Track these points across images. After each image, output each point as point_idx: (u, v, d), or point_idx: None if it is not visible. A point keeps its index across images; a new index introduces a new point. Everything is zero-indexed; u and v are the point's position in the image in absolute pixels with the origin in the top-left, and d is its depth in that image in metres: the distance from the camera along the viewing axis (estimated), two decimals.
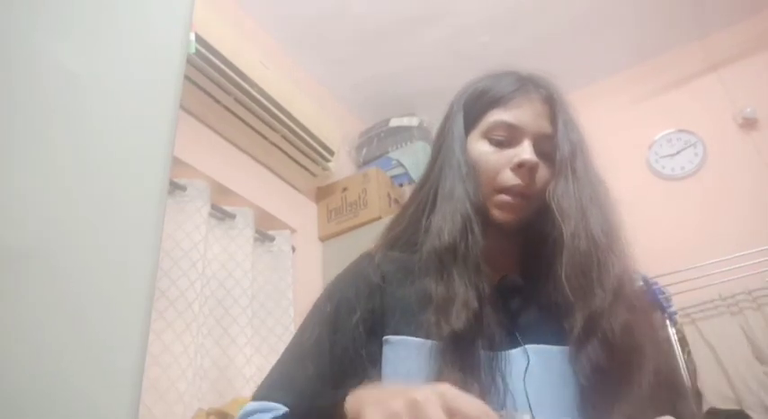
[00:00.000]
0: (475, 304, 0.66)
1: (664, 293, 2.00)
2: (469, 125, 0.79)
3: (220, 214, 1.85)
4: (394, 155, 2.52)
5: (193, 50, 1.65)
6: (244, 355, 1.68)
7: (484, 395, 0.60)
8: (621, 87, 2.66)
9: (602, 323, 0.65)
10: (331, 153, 2.23)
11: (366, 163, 2.59)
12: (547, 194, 0.73)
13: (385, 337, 0.70)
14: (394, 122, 2.61)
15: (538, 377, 0.65)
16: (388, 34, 2.41)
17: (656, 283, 1.95)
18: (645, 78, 2.62)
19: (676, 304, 2.05)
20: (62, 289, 0.43)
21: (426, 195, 0.80)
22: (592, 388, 0.64)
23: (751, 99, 2.33)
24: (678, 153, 2.45)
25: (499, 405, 0.61)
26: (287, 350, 0.75)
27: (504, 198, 0.73)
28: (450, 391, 0.45)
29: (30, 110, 0.45)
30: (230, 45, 1.80)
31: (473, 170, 0.76)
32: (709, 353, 1.95)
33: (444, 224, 0.73)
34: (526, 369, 0.65)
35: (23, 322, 0.40)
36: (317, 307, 0.76)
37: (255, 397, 0.70)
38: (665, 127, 2.51)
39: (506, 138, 0.76)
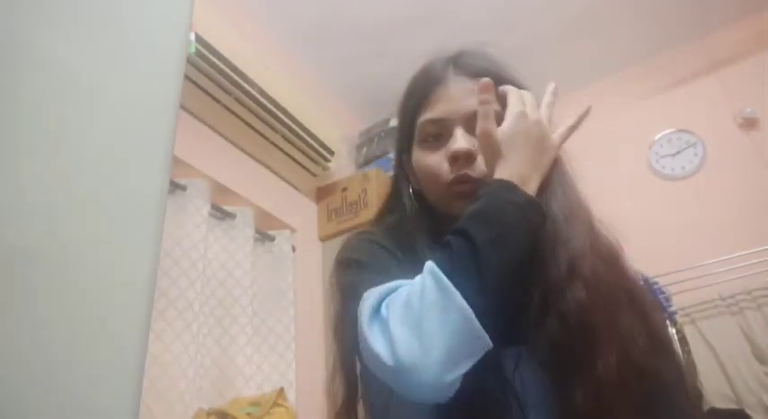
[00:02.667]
0: None
1: (664, 293, 2.00)
2: (409, 136, 0.79)
3: (220, 214, 1.85)
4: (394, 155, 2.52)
5: (193, 50, 1.65)
6: (244, 355, 1.68)
7: (478, 392, 0.60)
8: (621, 87, 2.66)
9: (556, 298, 0.62)
10: (331, 153, 2.23)
11: (366, 163, 2.59)
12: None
13: None
14: (394, 122, 2.60)
15: (527, 375, 0.64)
16: (388, 34, 2.41)
17: (656, 283, 1.95)
18: (645, 78, 2.62)
19: (676, 304, 2.06)
20: (61, 288, 0.43)
21: (395, 207, 0.82)
22: (552, 369, 0.61)
23: (751, 99, 2.33)
24: (678, 153, 2.45)
25: (494, 403, 0.60)
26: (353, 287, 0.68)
27: (460, 188, 0.71)
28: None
29: (29, 109, 0.45)
30: (230, 45, 1.80)
31: (422, 179, 0.76)
32: (709, 353, 1.95)
33: (410, 251, 0.72)
34: (515, 367, 0.64)
35: (23, 322, 0.40)
36: (359, 259, 0.72)
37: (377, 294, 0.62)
38: (665, 127, 2.51)
39: (438, 132, 0.74)
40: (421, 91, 0.78)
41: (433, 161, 0.74)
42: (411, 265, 0.69)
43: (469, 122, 0.72)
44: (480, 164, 0.71)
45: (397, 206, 0.82)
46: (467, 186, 0.71)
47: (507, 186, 0.63)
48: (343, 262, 0.74)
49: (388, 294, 0.60)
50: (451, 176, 0.72)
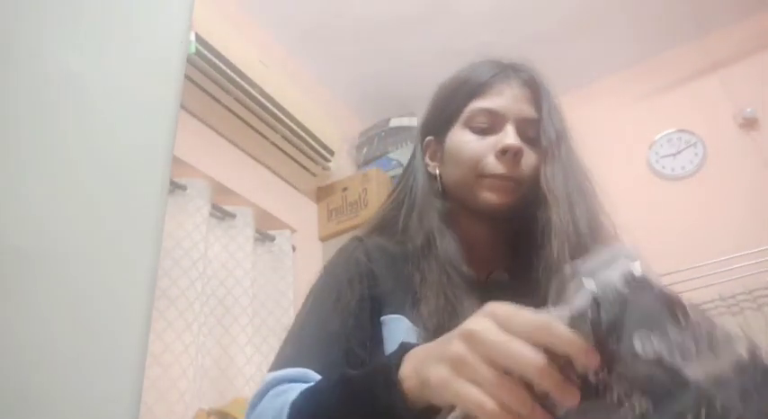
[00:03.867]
0: (448, 301, 0.66)
1: None
2: (452, 117, 0.79)
3: (221, 213, 1.85)
4: (394, 155, 2.52)
5: (193, 50, 1.65)
6: (244, 355, 1.68)
7: None
8: (621, 87, 2.66)
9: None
10: (331, 153, 2.23)
11: (366, 163, 2.59)
12: (541, 179, 0.72)
13: (382, 318, 0.70)
14: (394, 122, 2.61)
15: None
16: (389, 34, 2.41)
17: None
18: (645, 78, 2.62)
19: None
20: (62, 288, 0.43)
21: (403, 192, 0.83)
22: None
23: (751, 99, 2.33)
24: (678, 153, 2.45)
25: None
26: (293, 333, 0.73)
27: (494, 180, 0.73)
28: (498, 309, 0.41)
29: (30, 110, 0.45)
30: (230, 45, 1.80)
31: (455, 160, 0.77)
32: None
33: (419, 230, 0.75)
34: None
35: (24, 322, 0.40)
36: (319, 295, 0.75)
37: (275, 368, 0.66)
38: (665, 127, 2.50)
39: (488, 124, 0.75)
40: (480, 78, 0.78)
41: (478, 147, 0.74)
42: (406, 255, 0.73)
43: (520, 125, 0.74)
44: (525, 165, 0.73)
45: (410, 188, 0.83)
46: (506, 183, 0.72)
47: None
48: (322, 276, 0.77)
49: (273, 386, 0.63)
50: (496, 172, 0.72)
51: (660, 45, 2.58)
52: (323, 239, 2.32)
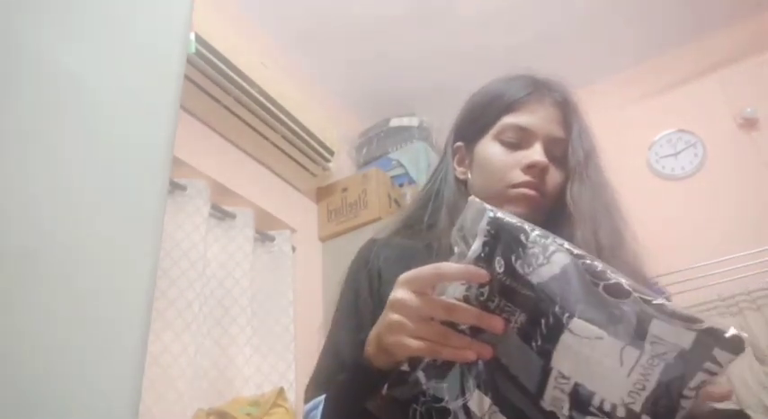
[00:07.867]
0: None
1: (664, 293, 2.00)
2: (484, 128, 0.82)
3: (220, 214, 1.85)
4: (394, 155, 2.52)
5: (193, 50, 1.65)
6: (243, 355, 1.68)
7: None
8: (621, 87, 2.66)
9: None
10: (331, 153, 2.23)
11: (366, 163, 2.59)
12: (567, 196, 0.76)
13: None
14: (394, 122, 2.60)
15: None
16: (389, 34, 2.41)
17: (656, 283, 1.95)
18: (645, 78, 2.62)
19: (676, 304, 2.05)
20: (62, 288, 0.43)
21: (430, 192, 0.86)
22: None
23: (751, 99, 2.33)
24: (678, 153, 2.45)
25: None
26: (324, 347, 0.79)
27: (521, 190, 0.76)
28: (406, 277, 0.54)
29: (29, 110, 0.45)
30: (230, 45, 1.80)
31: (483, 171, 0.80)
32: None
33: (449, 227, 0.77)
34: None
35: (23, 322, 0.40)
36: (343, 300, 0.80)
37: (306, 400, 0.73)
38: (665, 127, 2.50)
39: (518, 140, 0.79)
40: (515, 95, 0.81)
41: (506, 160, 0.78)
42: (429, 252, 0.75)
43: (548, 144, 0.78)
44: (549, 183, 0.77)
45: (437, 190, 0.86)
46: (531, 193, 0.76)
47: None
48: (341, 287, 0.82)
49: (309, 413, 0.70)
50: (522, 180, 0.76)
51: (660, 46, 2.58)
52: (323, 240, 2.32)
